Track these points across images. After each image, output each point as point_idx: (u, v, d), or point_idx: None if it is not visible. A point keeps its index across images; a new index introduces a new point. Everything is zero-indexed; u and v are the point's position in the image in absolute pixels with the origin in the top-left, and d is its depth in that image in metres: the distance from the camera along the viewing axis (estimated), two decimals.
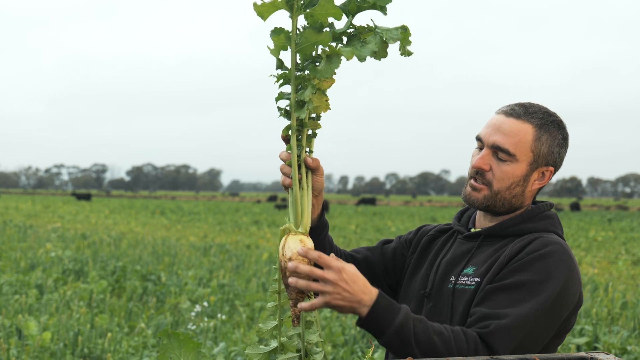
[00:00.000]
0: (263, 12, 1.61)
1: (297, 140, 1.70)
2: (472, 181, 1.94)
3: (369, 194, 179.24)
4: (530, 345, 1.76)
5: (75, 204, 51.20)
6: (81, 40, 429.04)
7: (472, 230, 2.03)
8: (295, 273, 1.62)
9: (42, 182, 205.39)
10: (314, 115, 1.70)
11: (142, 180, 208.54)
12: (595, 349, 6.31)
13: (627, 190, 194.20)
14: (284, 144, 1.76)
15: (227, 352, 5.66)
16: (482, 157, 1.90)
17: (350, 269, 1.65)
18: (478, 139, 1.95)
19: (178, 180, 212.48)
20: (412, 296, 2.04)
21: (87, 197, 64.23)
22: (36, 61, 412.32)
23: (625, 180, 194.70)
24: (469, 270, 1.91)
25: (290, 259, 1.63)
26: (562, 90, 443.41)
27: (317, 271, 1.62)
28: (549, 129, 1.90)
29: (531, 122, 1.89)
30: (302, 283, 1.61)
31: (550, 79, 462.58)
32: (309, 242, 1.67)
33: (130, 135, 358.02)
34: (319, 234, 1.93)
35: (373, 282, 2.09)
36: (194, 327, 6.68)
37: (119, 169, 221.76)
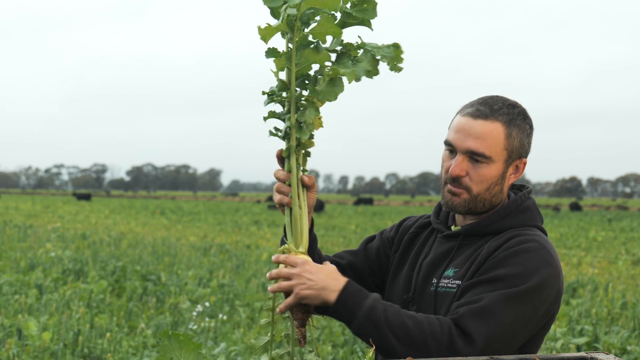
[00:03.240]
0: (266, 35, 1.60)
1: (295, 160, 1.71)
2: (449, 187, 1.91)
3: (368, 194, 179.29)
4: (509, 334, 1.73)
5: (75, 204, 51.21)
6: (102, 41, 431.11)
7: (453, 228, 2.01)
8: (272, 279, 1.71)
9: (42, 182, 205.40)
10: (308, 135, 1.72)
11: (142, 180, 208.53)
12: (595, 349, 6.31)
13: (627, 190, 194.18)
14: (278, 161, 1.78)
15: (228, 352, 5.66)
16: (457, 164, 1.87)
17: (316, 263, 1.72)
18: (448, 144, 1.91)
19: (178, 180, 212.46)
20: (396, 299, 2.03)
21: (87, 197, 64.23)
22: (55, 62, 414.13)
23: (625, 180, 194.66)
24: (450, 272, 1.90)
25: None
26: (577, 92, 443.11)
27: (284, 270, 1.69)
28: (516, 123, 1.88)
29: (499, 120, 1.86)
30: (273, 286, 1.69)
31: (566, 80, 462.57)
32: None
33: (131, 135, 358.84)
34: (309, 248, 1.93)
35: (361, 285, 2.11)
36: (194, 327, 6.68)
37: (119, 169, 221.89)
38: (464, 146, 1.86)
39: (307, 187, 1.76)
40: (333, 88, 1.64)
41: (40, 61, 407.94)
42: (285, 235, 1.79)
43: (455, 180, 1.88)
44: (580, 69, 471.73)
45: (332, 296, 1.69)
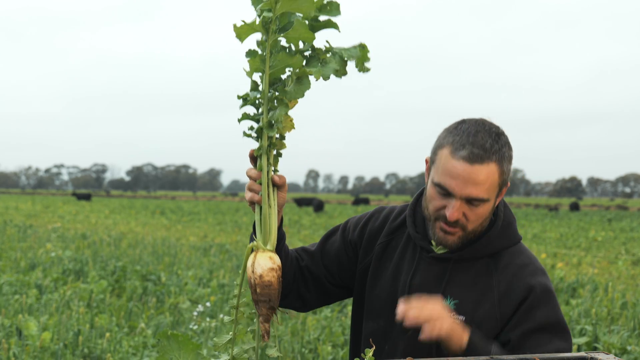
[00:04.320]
0: (241, 33, 1.64)
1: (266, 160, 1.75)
2: (443, 225, 1.90)
3: (368, 194, 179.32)
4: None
5: (75, 204, 51.20)
6: (109, 42, 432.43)
7: (439, 249, 1.99)
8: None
9: (42, 182, 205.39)
10: (278, 135, 1.75)
11: (142, 180, 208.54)
12: (595, 349, 6.31)
13: (627, 190, 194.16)
14: (251, 161, 1.81)
15: None
16: (456, 210, 1.85)
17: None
18: (442, 187, 1.87)
19: (178, 180, 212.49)
20: (380, 313, 2.04)
21: (87, 197, 64.21)
22: (62, 62, 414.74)
23: (625, 180, 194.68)
24: (449, 303, 1.92)
25: (260, 276, 1.67)
26: (581, 93, 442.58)
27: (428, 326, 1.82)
28: (505, 156, 1.86)
29: (493, 160, 1.83)
30: (424, 332, 1.82)
31: (571, 81, 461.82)
32: (277, 259, 1.70)
33: (131, 136, 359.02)
34: (277, 244, 1.95)
35: (317, 286, 2.14)
36: (195, 327, 6.68)
37: (119, 169, 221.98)
38: (464, 194, 1.84)
39: (278, 186, 1.78)
40: (300, 86, 1.68)
41: (48, 62, 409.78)
42: (254, 232, 1.79)
43: (451, 223, 1.89)
44: (586, 69, 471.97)
45: (464, 340, 1.84)
